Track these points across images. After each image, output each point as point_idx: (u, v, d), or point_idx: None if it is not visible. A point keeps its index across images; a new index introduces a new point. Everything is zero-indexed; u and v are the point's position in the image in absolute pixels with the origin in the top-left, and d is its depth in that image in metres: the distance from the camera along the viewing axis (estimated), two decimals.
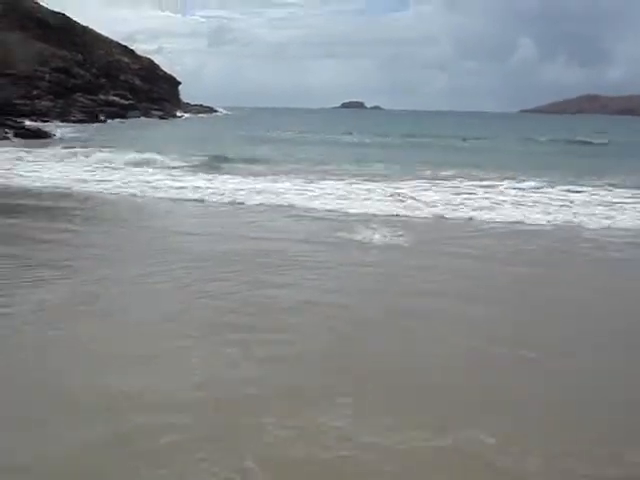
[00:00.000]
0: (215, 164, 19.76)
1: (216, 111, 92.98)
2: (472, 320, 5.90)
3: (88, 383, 4.43)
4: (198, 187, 14.56)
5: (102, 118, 53.61)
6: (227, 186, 14.77)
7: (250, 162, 20.59)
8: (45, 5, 70.61)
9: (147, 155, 20.45)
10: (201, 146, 26.15)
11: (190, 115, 75.01)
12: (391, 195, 13.49)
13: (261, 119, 69.89)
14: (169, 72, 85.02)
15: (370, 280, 7.27)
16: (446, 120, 76.72)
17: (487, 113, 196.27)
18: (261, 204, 12.50)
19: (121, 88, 68.20)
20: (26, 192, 13.66)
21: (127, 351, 5.03)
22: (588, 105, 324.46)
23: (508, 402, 4.31)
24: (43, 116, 47.36)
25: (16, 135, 36.06)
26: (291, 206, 12.29)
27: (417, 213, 11.66)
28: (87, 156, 20.63)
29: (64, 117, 50.30)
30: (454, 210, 11.90)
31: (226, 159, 21.19)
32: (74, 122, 49.12)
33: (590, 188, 14.73)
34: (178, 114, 71.81)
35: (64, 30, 70.04)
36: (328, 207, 12.15)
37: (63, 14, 72.30)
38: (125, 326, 5.60)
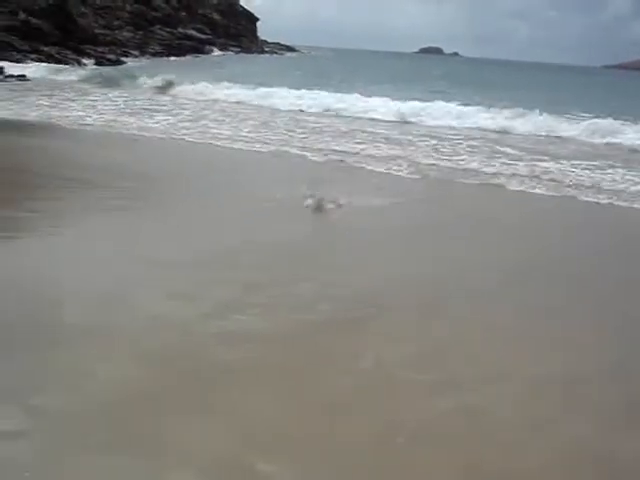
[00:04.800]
0: None
1: (294, 50, 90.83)
2: None
3: None
4: None
5: (181, 54, 53.03)
6: None
7: None
8: None
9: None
10: None
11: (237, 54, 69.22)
12: None
13: (325, 66, 54.86)
14: (248, 8, 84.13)
15: None
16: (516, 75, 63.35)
17: (568, 67, 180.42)
18: None
19: (200, 22, 68.17)
20: None
21: None
22: None
23: None
24: (122, 46, 47.95)
25: (97, 64, 36.87)
26: None
27: None
28: None
29: (142, 49, 50.77)
30: None
31: None
32: (152, 55, 49.40)
33: None
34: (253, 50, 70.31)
35: None
36: None
37: None
38: None
